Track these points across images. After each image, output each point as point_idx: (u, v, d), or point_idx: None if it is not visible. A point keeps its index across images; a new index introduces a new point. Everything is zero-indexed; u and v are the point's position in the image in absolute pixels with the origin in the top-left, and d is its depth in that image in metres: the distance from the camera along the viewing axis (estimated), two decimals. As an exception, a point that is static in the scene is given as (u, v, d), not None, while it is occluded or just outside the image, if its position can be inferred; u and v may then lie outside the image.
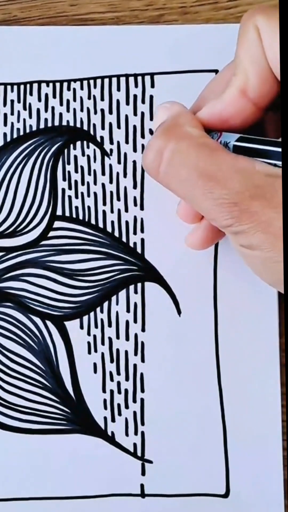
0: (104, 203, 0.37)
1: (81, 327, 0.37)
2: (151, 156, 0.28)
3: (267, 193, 0.24)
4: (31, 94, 0.37)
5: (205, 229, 0.33)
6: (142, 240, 0.37)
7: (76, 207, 0.37)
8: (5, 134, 0.37)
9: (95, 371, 0.36)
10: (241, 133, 0.27)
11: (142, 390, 0.36)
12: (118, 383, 0.36)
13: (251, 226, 0.25)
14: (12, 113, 0.37)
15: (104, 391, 0.36)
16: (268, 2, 0.37)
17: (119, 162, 0.37)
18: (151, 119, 0.37)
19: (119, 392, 0.36)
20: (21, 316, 0.37)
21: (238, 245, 0.27)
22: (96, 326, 0.37)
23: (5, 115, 0.37)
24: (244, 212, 0.24)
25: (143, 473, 0.36)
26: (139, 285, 0.37)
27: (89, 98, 0.37)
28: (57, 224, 0.37)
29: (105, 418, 0.36)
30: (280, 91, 0.25)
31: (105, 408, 0.36)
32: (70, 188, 0.37)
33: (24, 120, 0.37)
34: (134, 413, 0.36)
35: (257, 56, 0.26)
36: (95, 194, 0.37)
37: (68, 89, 0.37)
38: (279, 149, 0.24)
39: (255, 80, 0.26)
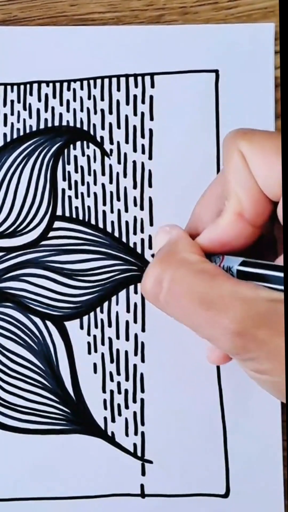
0: (104, 203, 0.37)
1: (81, 327, 0.37)
2: (150, 285, 0.27)
3: (272, 320, 0.23)
4: (31, 94, 0.37)
5: None
6: (142, 240, 0.37)
7: (76, 207, 0.37)
8: (5, 134, 0.37)
9: (95, 371, 0.36)
10: (243, 253, 0.27)
11: (142, 390, 0.36)
12: (118, 383, 0.36)
13: (258, 354, 0.24)
14: (12, 113, 0.37)
15: (104, 391, 0.36)
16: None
17: (119, 162, 0.37)
18: (151, 119, 0.37)
19: (119, 392, 0.36)
20: (21, 316, 0.37)
21: (246, 368, 0.26)
22: (96, 326, 0.37)
23: (5, 115, 0.37)
24: (250, 341, 0.24)
25: (143, 473, 0.36)
26: (139, 285, 0.37)
27: (89, 98, 0.37)
28: (57, 224, 0.37)
29: (105, 418, 0.36)
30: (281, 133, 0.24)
31: (105, 408, 0.36)
32: (70, 188, 0.37)
33: (24, 120, 0.37)
34: (134, 413, 0.36)
35: (247, 180, 0.25)
36: (95, 194, 0.37)
37: (68, 89, 0.37)
38: (281, 274, 0.24)
39: (248, 203, 0.26)
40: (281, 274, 0.24)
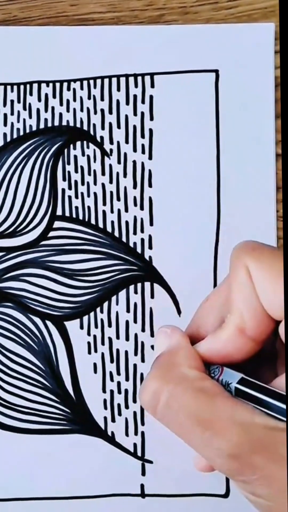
0: (104, 203, 0.37)
1: (81, 327, 0.37)
2: (148, 397, 0.27)
3: (268, 447, 0.23)
4: (31, 94, 0.37)
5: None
6: (142, 240, 0.37)
7: (76, 207, 0.37)
8: (5, 134, 0.37)
9: (95, 371, 0.36)
10: (243, 366, 0.27)
11: (142, 390, 0.36)
12: (118, 383, 0.36)
13: (253, 479, 0.24)
14: (12, 113, 0.37)
15: (104, 391, 0.36)
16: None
17: (119, 162, 0.37)
18: (151, 119, 0.37)
19: (119, 392, 0.36)
20: (21, 316, 0.37)
21: (240, 489, 0.26)
22: (96, 326, 0.37)
23: (5, 115, 0.37)
24: (245, 465, 0.24)
25: (143, 473, 0.36)
26: (139, 285, 0.37)
27: (89, 98, 0.37)
28: (57, 224, 0.37)
29: (105, 418, 0.36)
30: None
31: (105, 408, 0.36)
32: (70, 188, 0.37)
33: (24, 120, 0.37)
34: (134, 413, 0.36)
35: (250, 298, 0.25)
36: (95, 194, 0.37)
37: (68, 89, 0.37)
38: (282, 405, 0.24)
39: (250, 320, 0.26)
40: (280, 404, 0.24)
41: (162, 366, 0.27)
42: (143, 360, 0.36)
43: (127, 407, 0.36)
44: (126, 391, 0.36)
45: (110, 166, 0.37)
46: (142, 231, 0.37)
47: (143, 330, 0.37)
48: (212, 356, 0.27)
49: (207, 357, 0.27)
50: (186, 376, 0.26)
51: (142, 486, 0.36)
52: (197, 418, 0.25)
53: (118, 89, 0.37)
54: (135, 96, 0.37)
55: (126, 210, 0.37)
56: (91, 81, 0.37)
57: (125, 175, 0.37)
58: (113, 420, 0.36)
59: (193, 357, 0.27)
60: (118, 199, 0.37)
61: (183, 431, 0.26)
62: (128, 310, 0.37)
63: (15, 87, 0.37)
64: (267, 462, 0.23)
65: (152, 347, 0.36)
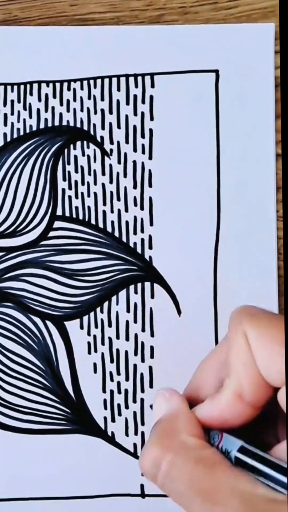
0: (104, 203, 0.37)
1: (81, 327, 0.37)
2: (148, 466, 0.27)
3: None
4: (31, 94, 0.37)
5: None
6: (142, 240, 0.37)
7: (76, 207, 0.37)
8: (5, 134, 0.37)
9: (95, 371, 0.36)
10: (243, 432, 0.27)
11: (142, 390, 0.36)
12: (118, 383, 0.36)
13: None
14: (12, 113, 0.37)
15: (104, 391, 0.36)
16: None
17: (119, 162, 0.37)
18: (151, 119, 0.37)
19: (119, 392, 0.36)
20: (21, 316, 0.37)
21: None
22: (96, 326, 0.37)
23: (5, 115, 0.37)
24: None
25: (143, 473, 0.36)
26: (139, 285, 0.37)
27: (89, 98, 0.37)
28: (57, 224, 0.37)
29: (105, 418, 0.36)
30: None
31: (105, 408, 0.36)
32: (70, 188, 0.37)
33: (24, 120, 0.37)
34: (134, 413, 0.36)
35: (248, 364, 0.26)
36: (95, 194, 0.37)
37: (68, 89, 0.37)
38: (283, 478, 0.24)
39: (248, 386, 0.26)
40: (281, 476, 0.24)
41: (162, 433, 0.27)
42: (143, 360, 0.36)
43: (127, 407, 0.36)
44: (126, 391, 0.36)
45: (110, 166, 0.37)
46: (142, 231, 0.37)
47: (143, 330, 0.37)
48: (211, 421, 0.27)
49: (206, 422, 0.27)
50: (185, 445, 0.26)
51: (142, 486, 0.36)
52: (197, 489, 0.25)
53: (118, 89, 0.37)
54: (135, 96, 0.37)
55: (126, 210, 0.37)
56: (91, 81, 0.37)
57: (125, 175, 0.37)
58: (113, 420, 0.36)
59: (192, 423, 0.27)
60: (118, 199, 0.37)
61: (184, 501, 0.26)
62: (128, 310, 0.37)
63: (15, 87, 0.37)
64: None
65: (152, 347, 0.36)
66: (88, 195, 0.37)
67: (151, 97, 0.37)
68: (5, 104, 0.37)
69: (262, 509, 0.24)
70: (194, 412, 0.28)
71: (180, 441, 0.27)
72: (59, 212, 0.37)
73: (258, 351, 0.25)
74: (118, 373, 0.36)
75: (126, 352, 0.37)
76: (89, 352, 0.37)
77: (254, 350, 0.25)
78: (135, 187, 0.37)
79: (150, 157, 0.37)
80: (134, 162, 0.37)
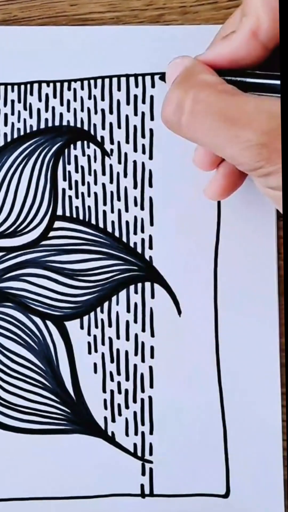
0: (105, 203, 0.37)
1: (81, 327, 0.37)
2: (172, 110, 0.27)
3: None
4: (31, 94, 0.37)
5: (224, 177, 0.32)
6: (142, 240, 0.37)
7: (77, 207, 0.37)
8: (5, 134, 0.37)
9: (95, 371, 0.36)
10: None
11: (142, 390, 0.36)
12: (118, 383, 0.36)
13: (279, 167, 0.24)
14: (12, 113, 0.37)
15: (104, 391, 0.36)
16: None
17: (119, 162, 0.37)
18: (152, 119, 0.37)
19: (119, 392, 0.36)
20: (21, 316, 0.37)
21: (266, 188, 0.26)
22: (96, 326, 0.37)
23: (6, 115, 0.37)
24: (273, 152, 0.24)
25: (143, 473, 0.36)
26: (139, 285, 0.37)
27: (89, 98, 0.37)
28: (57, 224, 0.37)
29: (105, 418, 0.36)
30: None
31: (105, 408, 0.36)
32: (70, 188, 0.37)
33: (25, 120, 0.37)
34: (134, 413, 0.36)
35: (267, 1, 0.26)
36: (95, 194, 0.37)
37: (69, 89, 0.37)
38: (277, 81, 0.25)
39: (266, 21, 0.26)
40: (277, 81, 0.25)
41: (182, 78, 0.27)
42: (143, 360, 0.36)
43: (127, 407, 0.36)
44: (126, 391, 0.36)
45: (111, 166, 0.37)
46: (142, 231, 0.37)
47: (143, 330, 0.37)
48: (221, 60, 0.27)
49: (216, 62, 0.27)
50: (207, 81, 0.27)
51: (142, 486, 0.36)
52: (224, 117, 0.25)
53: (119, 89, 0.37)
54: (135, 96, 0.37)
55: (127, 210, 0.37)
56: (92, 81, 0.37)
57: (125, 175, 0.37)
58: (113, 420, 0.36)
59: (209, 70, 0.28)
60: (119, 199, 0.37)
61: (210, 135, 0.26)
62: (128, 310, 0.37)
63: (15, 87, 0.37)
64: None
65: (152, 347, 0.37)
66: (89, 195, 0.37)
67: (152, 97, 0.37)
68: (5, 104, 0.37)
69: None
70: (205, 54, 0.28)
71: (200, 79, 0.27)
72: (59, 212, 0.37)
73: None
74: (118, 373, 0.36)
75: (126, 352, 0.37)
76: (89, 352, 0.37)
77: None
78: (135, 187, 0.37)
79: (151, 157, 0.37)
80: (135, 162, 0.37)
